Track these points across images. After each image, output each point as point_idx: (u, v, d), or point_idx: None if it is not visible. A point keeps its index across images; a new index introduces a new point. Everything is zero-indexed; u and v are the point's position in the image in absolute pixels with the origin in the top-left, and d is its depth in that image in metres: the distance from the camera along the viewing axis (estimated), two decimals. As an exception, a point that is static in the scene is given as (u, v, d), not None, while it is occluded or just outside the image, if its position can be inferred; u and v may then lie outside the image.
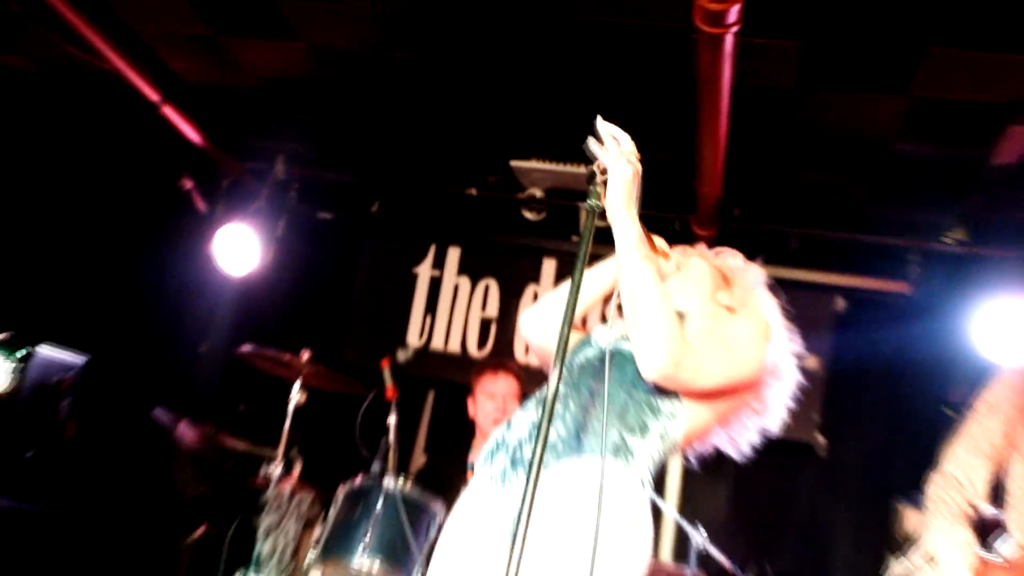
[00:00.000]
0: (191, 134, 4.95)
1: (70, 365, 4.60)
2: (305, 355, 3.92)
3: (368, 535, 3.39)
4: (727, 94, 3.60)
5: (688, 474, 4.75)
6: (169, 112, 4.72)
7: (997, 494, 2.64)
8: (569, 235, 5.12)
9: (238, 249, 5.06)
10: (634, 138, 2.13)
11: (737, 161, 4.22)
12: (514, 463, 2.21)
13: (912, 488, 3.94)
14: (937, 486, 2.64)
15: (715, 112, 3.71)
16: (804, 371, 4.84)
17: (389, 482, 3.49)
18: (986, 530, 2.60)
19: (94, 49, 4.21)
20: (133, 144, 5.16)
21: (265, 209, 5.20)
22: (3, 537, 4.15)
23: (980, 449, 2.61)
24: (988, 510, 2.62)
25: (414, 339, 5.24)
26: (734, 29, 3.27)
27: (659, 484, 3.91)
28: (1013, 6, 3.27)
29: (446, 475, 4.14)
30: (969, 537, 2.55)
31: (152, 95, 4.59)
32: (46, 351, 4.47)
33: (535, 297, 5.13)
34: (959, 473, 2.61)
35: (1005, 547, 2.55)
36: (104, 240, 5.47)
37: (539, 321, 2.49)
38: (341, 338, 5.28)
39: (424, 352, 5.19)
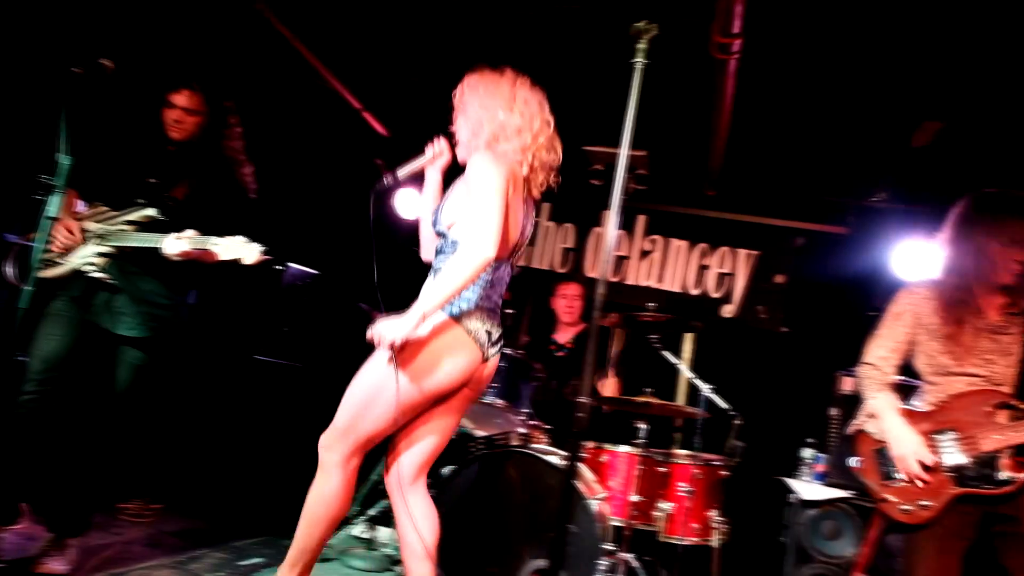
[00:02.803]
0: (381, 129, 5.09)
1: (308, 274, 4.83)
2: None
3: (496, 383, 3.47)
4: (729, 103, 3.59)
5: (700, 343, 4.77)
6: (367, 116, 4.87)
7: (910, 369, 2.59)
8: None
9: (411, 203, 5.21)
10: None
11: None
12: None
13: (846, 363, 3.95)
14: (865, 368, 2.58)
15: (722, 115, 3.69)
16: (776, 284, 4.84)
17: (508, 350, 3.50)
18: (903, 393, 2.56)
19: (325, 79, 4.36)
20: (346, 135, 5.25)
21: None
22: (268, 380, 4.44)
23: (892, 340, 2.54)
24: (898, 380, 2.57)
25: (521, 261, 5.31)
26: (736, 56, 3.26)
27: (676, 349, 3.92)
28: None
29: (540, 348, 4.29)
30: (894, 399, 2.51)
31: (356, 104, 4.74)
32: (294, 266, 4.69)
33: (598, 237, 5.18)
34: (878, 360, 2.55)
35: (918, 402, 2.51)
36: (332, 196, 5.65)
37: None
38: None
39: (527, 269, 5.29)
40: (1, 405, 2.64)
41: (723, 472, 3.55)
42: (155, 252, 2.69)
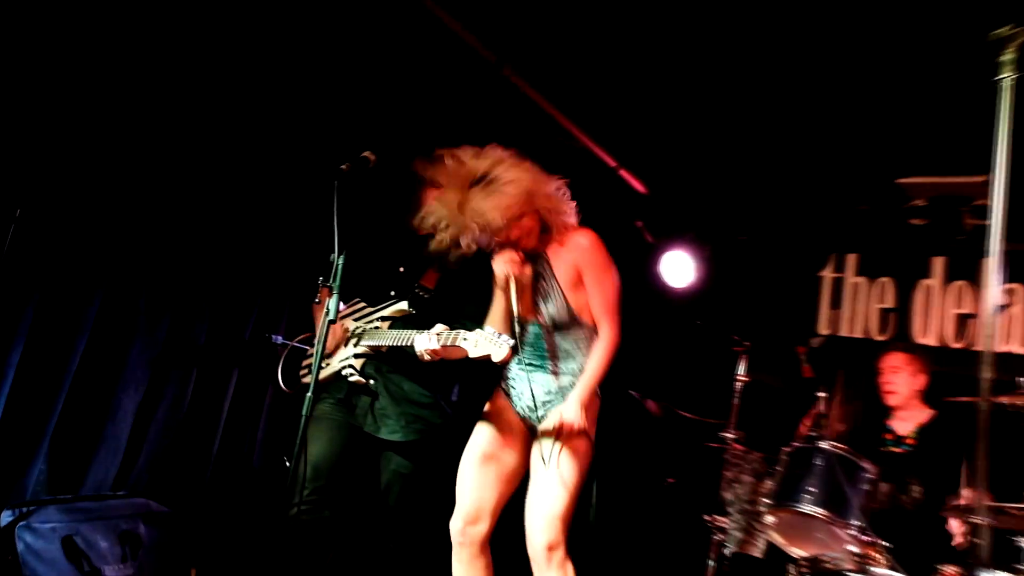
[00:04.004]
0: (639, 187, 5.12)
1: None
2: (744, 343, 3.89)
3: (812, 487, 3.23)
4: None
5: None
6: (624, 174, 4.94)
7: None
8: (954, 236, 4.61)
9: (679, 268, 5.14)
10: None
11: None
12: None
13: None
14: None
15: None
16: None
17: (825, 444, 3.31)
18: None
19: (576, 139, 4.51)
20: (603, 196, 5.30)
21: (696, 237, 5.21)
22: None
23: None
24: None
25: (822, 329, 4.99)
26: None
27: None
28: None
29: (868, 440, 3.88)
30: None
31: (611, 162, 4.82)
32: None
33: (928, 291, 4.75)
34: None
35: None
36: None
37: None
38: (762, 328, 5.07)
39: (833, 339, 4.90)
40: (278, 516, 2.88)
41: None
42: (411, 349, 2.84)
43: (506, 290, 2.71)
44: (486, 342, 2.50)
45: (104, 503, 3.33)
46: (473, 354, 2.52)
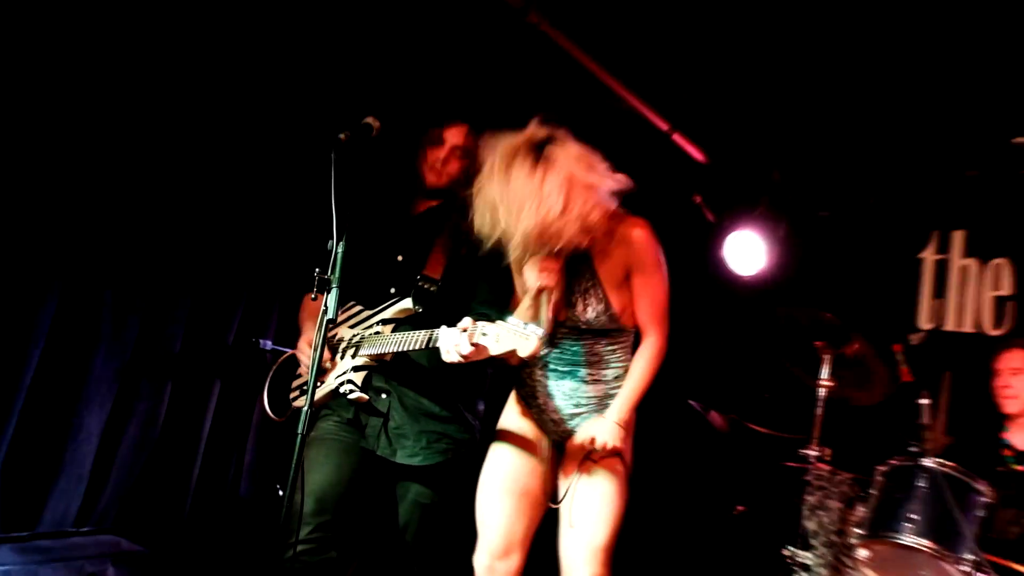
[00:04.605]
0: (696, 154, 5.11)
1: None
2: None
3: (914, 514, 3.25)
4: None
5: None
6: (678, 139, 4.93)
7: None
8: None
9: (747, 251, 5.14)
10: None
11: None
12: None
13: None
14: None
15: None
16: None
17: (929, 462, 3.32)
18: None
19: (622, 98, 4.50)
20: (653, 165, 5.28)
21: (767, 214, 5.19)
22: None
23: None
24: None
25: (924, 322, 4.96)
26: None
27: None
28: None
29: (980, 456, 3.88)
30: None
31: (663, 125, 4.80)
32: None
33: None
34: None
35: None
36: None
37: None
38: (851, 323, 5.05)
39: (935, 333, 4.89)
40: (273, 558, 2.89)
41: None
42: (423, 355, 2.85)
43: (536, 300, 2.74)
44: (510, 335, 2.47)
45: (66, 541, 3.37)
46: (495, 351, 2.49)
